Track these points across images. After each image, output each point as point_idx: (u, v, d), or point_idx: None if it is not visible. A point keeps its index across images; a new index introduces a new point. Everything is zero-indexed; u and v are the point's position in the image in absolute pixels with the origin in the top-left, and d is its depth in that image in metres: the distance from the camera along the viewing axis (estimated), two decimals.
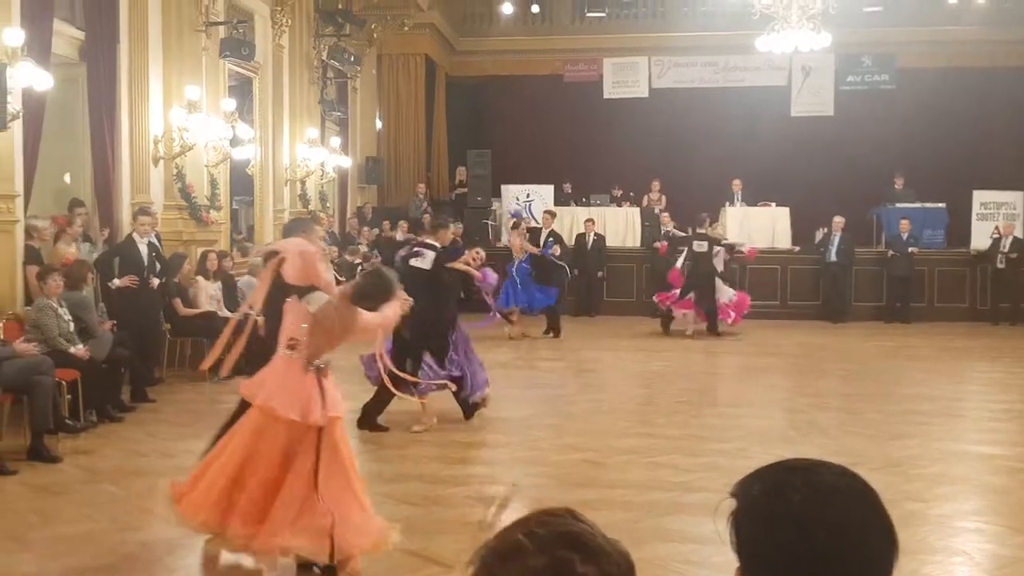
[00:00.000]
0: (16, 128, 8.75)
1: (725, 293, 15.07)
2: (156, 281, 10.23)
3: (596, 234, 18.09)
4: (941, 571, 5.34)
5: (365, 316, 5.18)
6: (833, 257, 17.71)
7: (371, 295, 5.21)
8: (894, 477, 6.99)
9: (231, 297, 11.71)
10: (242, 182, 15.00)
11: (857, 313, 17.46)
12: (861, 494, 1.48)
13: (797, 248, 18.40)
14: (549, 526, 1.32)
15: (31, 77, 8.64)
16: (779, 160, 20.76)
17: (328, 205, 17.80)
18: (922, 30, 21.19)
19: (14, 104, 8.23)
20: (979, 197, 18.19)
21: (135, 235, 10.26)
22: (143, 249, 10.19)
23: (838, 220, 17.57)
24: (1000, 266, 17.15)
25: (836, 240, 17.70)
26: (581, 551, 1.29)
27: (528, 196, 19.29)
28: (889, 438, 8.42)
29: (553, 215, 16.83)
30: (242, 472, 4.95)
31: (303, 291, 5.19)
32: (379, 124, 21.27)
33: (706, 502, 6.43)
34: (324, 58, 17.23)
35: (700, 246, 15.08)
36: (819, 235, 18.07)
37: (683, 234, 16.65)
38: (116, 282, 9.71)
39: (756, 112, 21.42)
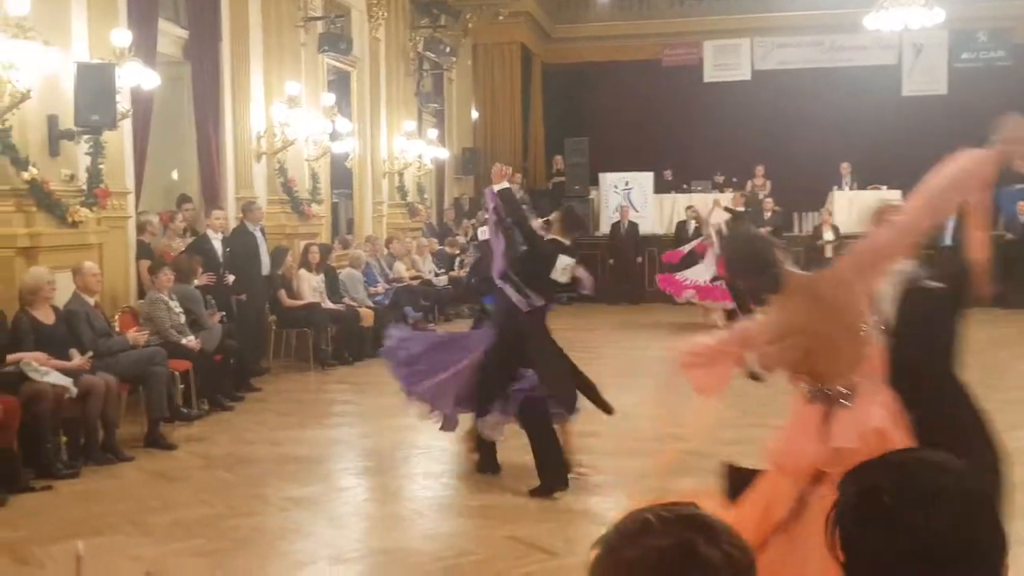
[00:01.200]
0: (125, 127, 9.00)
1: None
2: (231, 277, 10.21)
3: (695, 222, 17.83)
4: None
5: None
6: (948, 241, 17.12)
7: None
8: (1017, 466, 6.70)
9: (333, 289, 11.90)
10: (341, 175, 15.21)
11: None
12: (960, 494, 1.44)
13: None
14: (674, 510, 1.35)
15: (138, 76, 8.87)
16: (889, 142, 20.06)
17: (426, 197, 17.94)
18: None
19: (123, 103, 8.46)
20: None
21: (209, 231, 10.29)
22: (217, 245, 10.22)
23: None
24: None
25: (951, 224, 17.09)
26: (705, 533, 1.31)
27: (627, 184, 19.13)
28: (1003, 428, 8.08)
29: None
30: None
31: None
32: (475, 115, 21.34)
33: None
34: (420, 50, 17.34)
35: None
36: None
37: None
38: (195, 282, 9.82)
39: (865, 92, 20.77)
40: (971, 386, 4.40)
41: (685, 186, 19.69)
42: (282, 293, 11.17)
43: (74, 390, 6.80)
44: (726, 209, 15.09)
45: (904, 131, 20.37)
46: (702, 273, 14.02)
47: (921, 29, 17.48)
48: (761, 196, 18.47)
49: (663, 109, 22.12)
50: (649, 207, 19.05)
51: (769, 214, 17.76)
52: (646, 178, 19.17)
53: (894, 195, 18.23)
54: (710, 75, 22.10)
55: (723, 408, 9.06)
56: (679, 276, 14.42)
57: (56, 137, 7.94)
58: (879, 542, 1.42)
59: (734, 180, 19.82)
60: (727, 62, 22.03)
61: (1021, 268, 16.74)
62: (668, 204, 19.08)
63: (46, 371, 6.76)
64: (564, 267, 6.60)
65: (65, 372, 6.90)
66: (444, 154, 18.87)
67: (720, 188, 19.60)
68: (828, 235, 17.29)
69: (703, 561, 1.29)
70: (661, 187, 19.63)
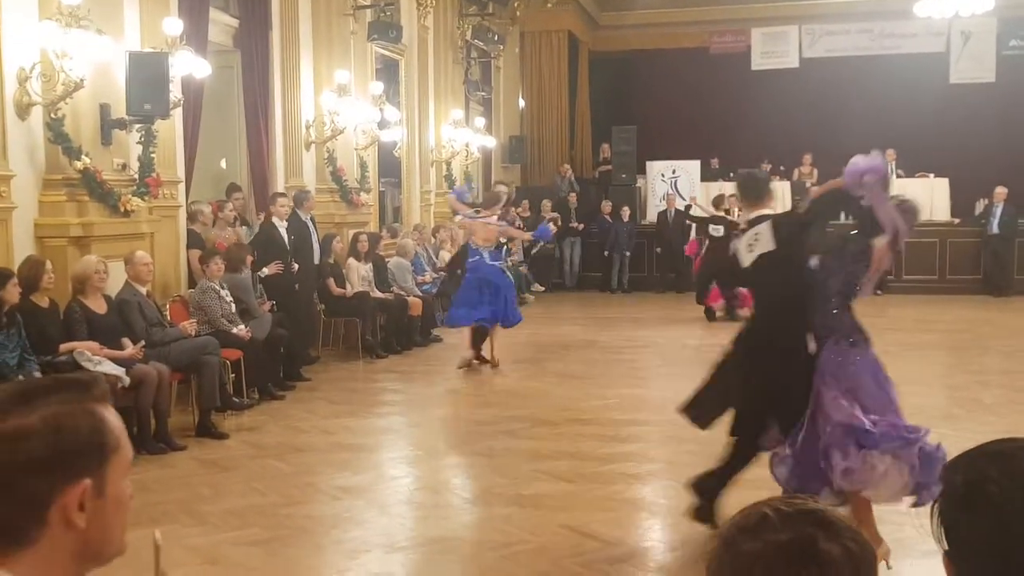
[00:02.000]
0: (176, 116, 9.04)
1: None
2: (296, 266, 10.28)
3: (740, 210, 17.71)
4: None
5: None
6: (995, 229, 16.83)
7: None
8: None
9: (382, 278, 11.90)
10: (389, 164, 15.22)
11: (1020, 287, 16.57)
12: None
13: (957, 220, 17.56)
14: (794, 504, 1.34)
15: (190, 65, 8.90)
16: (937, 130, 19.75)
17: (473, 186, 17.90)
18: None
19: (175, 92, 8.50)
20: None
21: (274, 219, 10.30)
22: (283, 233, 10.27)
23: (1000, 191, 16.76)
24: None
25: (998, 211, 16.81)
26: (825, 528, 1.30)
27: (674, 172, 18.98)
28: None
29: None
30: None
31: None
32: (522, 103, 21.26)
33: None
34: (468, 38, 17.29)
35: (716, 230, 14.10)
36: (980, 207, 17.21)
37: (704, 215, 15.19)
38: (265, 270, 9.86)
39: (913, 80, 20.40)
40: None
41: (732, 174, 19.45)
42: (331, 282, 11.19)
43: (127, 379, 6.84)
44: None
45: (951, 119, 20.03)
46: None
47: (970, 16, 17.12)
48: (808, 184, 18.22)
49: (710, 97, 21.91)
50: (696, 195, 18.88)
51: None
52: (693, 166, 18.99)
53: (941, 182, 17.98)
54: (758, 63, 21.81)
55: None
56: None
57: (108, 126, 7.99)
58: (988, 532, 1.41)
59: (781, 168, 19.59)
60: (775, 49, 21.74)
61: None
62: (715, 192, 18.86)
63: (99, 360, 6.81)
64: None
65: (117, 361, 6.95)
66: (491, 142, 18.83)
67: (767, 176, 19.39)
68: None
69: (823, 556, 1.28)
70: (708, 175, 19.45)
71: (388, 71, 15.04)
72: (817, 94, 21.12)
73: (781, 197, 18.40)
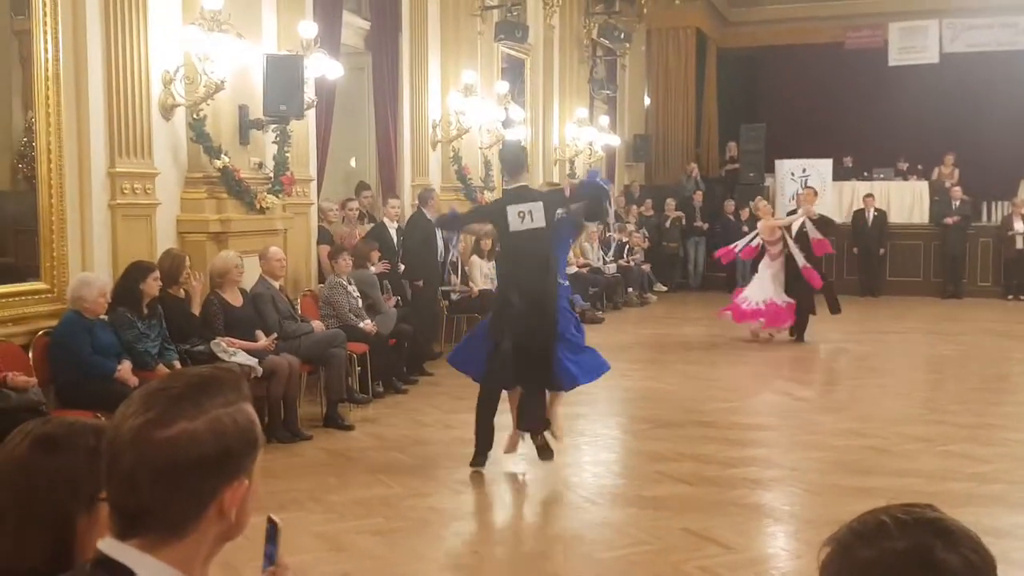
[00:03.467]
0: (310, 116, 9.30)
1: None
2: (402, 266, 10.36)
3: (876, 209, 17.17)
4: None
5: None
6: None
7: None
8: None
9: None
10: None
11: None
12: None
13: None
14: (912, 512, 1.32)
15: (323, 67, 9.14)
16: None
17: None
18: None
19: (309, 93, 8.74)
20: None
21: (385, 220, 10.49)
22: (392, 233, 10.42)
23: None
24: None
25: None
26: (944, 538, 1.28)
27: (804, 171, 18.52)
28: None
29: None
30: None
31: None
32: (647, 101, 21.11)
33: (1003, 495, 6.05)
34: (594, 36, 17.27)
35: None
36: None
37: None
38: (372, 269, 10.02)
39: None
40: None
41: (866, 173, 18.93)
42: (454, 280, 11.34)
43: (259, 370, 7.09)
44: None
45: None
46: (765, 291, 12.12)
47: None
48: (948, 184, 17.59)
49: (844, 94, 21.32)
50: (828, 194, 18.40)
51: (957, 203, 16.92)
52: (825, 165, 18.51)
53: None
54: (895, 58, 21.09)
55: (907, 404, 8.75)
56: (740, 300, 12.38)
57: (246, 126, 8.28)
58: None
59: (919, 167, 18.95)
60: (913, 44, 20.98)
61: None
62: (848, 191, 18.39)
63: (234, 351, 7.08)
64: None
65: (251, 352, 7.21)
66: (615, 141, 18.76)
67: (904, 175, 18.80)
68: (1019, 226, 16.33)
69: (941, 566, 1.26)
70: (840, 174, 18.93)
71: (514, 70, 15.14)
72: (959, 90, 20.30)
73: (920, 197, 17.85)
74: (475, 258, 11.70)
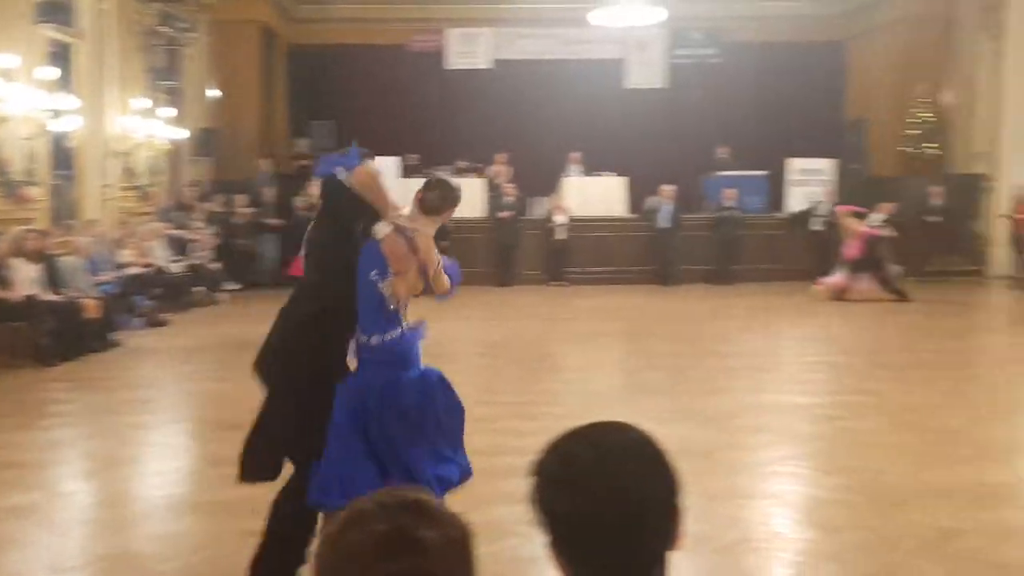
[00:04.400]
0: None
1: None
2: None
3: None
4: (757, 514, 5.67)
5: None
6: (663, 224, 18.25)
7: None
8: (717, 431, 7.37)
9: (54, 279, 11.13)
10: (64, 156, 14.27)
11: (685, 277, 18.05)
12: (639, 446, 1.59)
13: (632, 216, 18.85)
14: (395, 496, 1.41)
15: None
16: (616, 132, 21.21)
17: (161, 179, 17.16)
18: (746, 4, 21.97)
19: None
20: (794, 165, 19.40)
21: None
22: None
23: (667, 189, 18.25)
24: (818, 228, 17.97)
25: (665, 208, 18.25)
26: (424, 517, 1.38)
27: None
28: (711, 393, 8.82)
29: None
30: None
31: None
32: (214, 94, 20.57)
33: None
34: (154, 24, 16.52)
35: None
36: (649, 203, 18.63)
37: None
38: None
39: (594, 84, 21.86)
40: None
41: (428, 171, 19.79)
42: None
43: None
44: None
45: (627, 121, 21.58)
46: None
47: (644, 26, 18.47)
48: (499, 182, 18.92)
49: (408, 94, 22.27)
50: (397, 191, 19.04)
51: (510, 199, 18.29)
52: (393, 162, 19.16)
53: (620, 181, 19.28)
54: (453, 62, 22.36)
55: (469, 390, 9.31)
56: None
57: None
58: (580, 502, 1.53)
59: (478, 166, 20.18)
60: (470, 49, 22.37)
61: (729, 249, 18.26)
62: (414, 188, 19.08)
63: None
64: None
65: None
66: (181, 134, 18.09)
67: (462, 173, 19.92)
68: (559, 218, 18.10)
69: (424, 543, 1.35)
70: (407, 172, 19.66)
71: (63, 56, 14.11)
72: (512, 95, 21.96)
73: (477, 193, 19.07)
74: (16, 260, 10.74)
